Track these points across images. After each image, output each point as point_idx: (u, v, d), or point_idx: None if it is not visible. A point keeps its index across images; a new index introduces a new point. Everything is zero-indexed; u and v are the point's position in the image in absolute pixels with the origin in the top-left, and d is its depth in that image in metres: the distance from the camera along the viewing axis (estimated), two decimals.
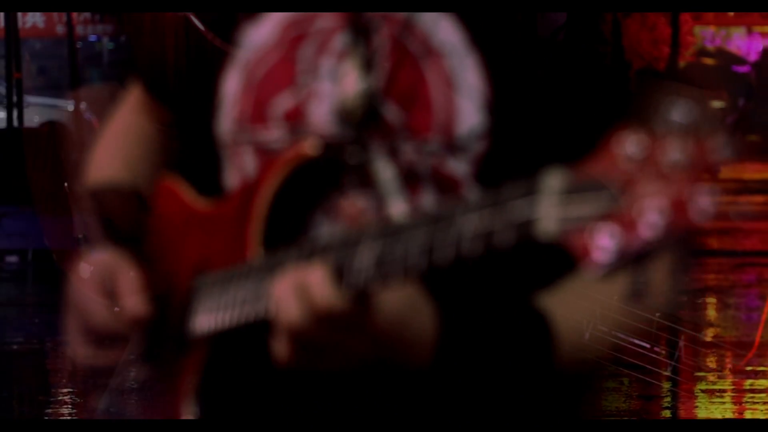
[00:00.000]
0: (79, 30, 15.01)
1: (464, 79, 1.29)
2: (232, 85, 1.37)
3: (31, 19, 16.77)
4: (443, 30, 1.30)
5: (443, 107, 1.29)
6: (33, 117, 11.71)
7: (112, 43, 19.89)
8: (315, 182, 1.30)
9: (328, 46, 1.32)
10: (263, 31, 1.36)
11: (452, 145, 1.28)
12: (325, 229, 1.29)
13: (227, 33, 1.39)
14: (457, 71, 1.29)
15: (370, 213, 1.28)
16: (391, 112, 1.30)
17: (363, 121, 1.31)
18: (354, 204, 1.30)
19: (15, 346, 6.47)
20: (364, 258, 1.14)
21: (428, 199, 1.29)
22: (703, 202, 0.88)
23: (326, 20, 1.33)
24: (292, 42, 1.34)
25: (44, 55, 20.03)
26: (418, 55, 1.30)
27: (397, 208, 1.27)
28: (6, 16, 11.54)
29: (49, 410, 5.29)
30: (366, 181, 1.30)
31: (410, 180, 1.29)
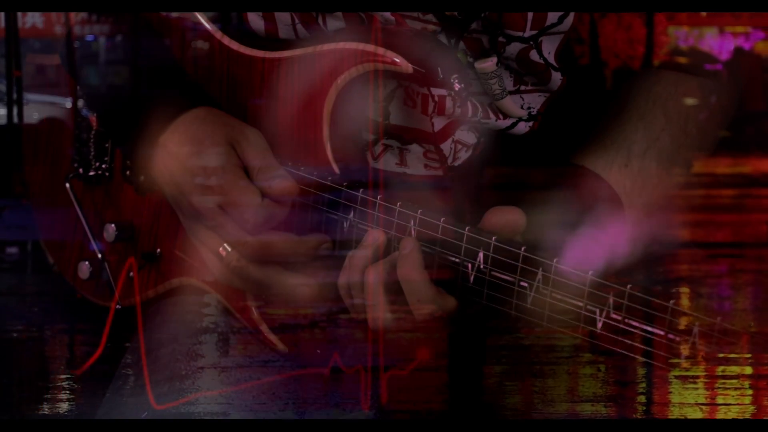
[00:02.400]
0: (76, 30, 15.07)
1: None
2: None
3: (30, 20, 16.84)
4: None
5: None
6: (32, 114, 11.81)
7: (109, 42, 19.93)
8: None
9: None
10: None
11: None
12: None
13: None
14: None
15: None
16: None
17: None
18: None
19: (15, 334, 6.57)
20: None
21: None
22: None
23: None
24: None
25: (43, 54, 20.02)
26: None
27: None
28: (6, 16, 11.60)
29: (48, 396, 5.39)
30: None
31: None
